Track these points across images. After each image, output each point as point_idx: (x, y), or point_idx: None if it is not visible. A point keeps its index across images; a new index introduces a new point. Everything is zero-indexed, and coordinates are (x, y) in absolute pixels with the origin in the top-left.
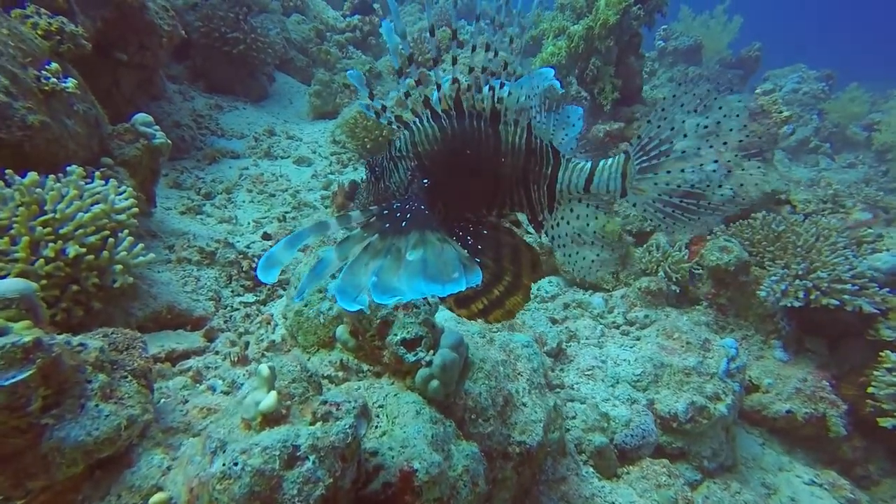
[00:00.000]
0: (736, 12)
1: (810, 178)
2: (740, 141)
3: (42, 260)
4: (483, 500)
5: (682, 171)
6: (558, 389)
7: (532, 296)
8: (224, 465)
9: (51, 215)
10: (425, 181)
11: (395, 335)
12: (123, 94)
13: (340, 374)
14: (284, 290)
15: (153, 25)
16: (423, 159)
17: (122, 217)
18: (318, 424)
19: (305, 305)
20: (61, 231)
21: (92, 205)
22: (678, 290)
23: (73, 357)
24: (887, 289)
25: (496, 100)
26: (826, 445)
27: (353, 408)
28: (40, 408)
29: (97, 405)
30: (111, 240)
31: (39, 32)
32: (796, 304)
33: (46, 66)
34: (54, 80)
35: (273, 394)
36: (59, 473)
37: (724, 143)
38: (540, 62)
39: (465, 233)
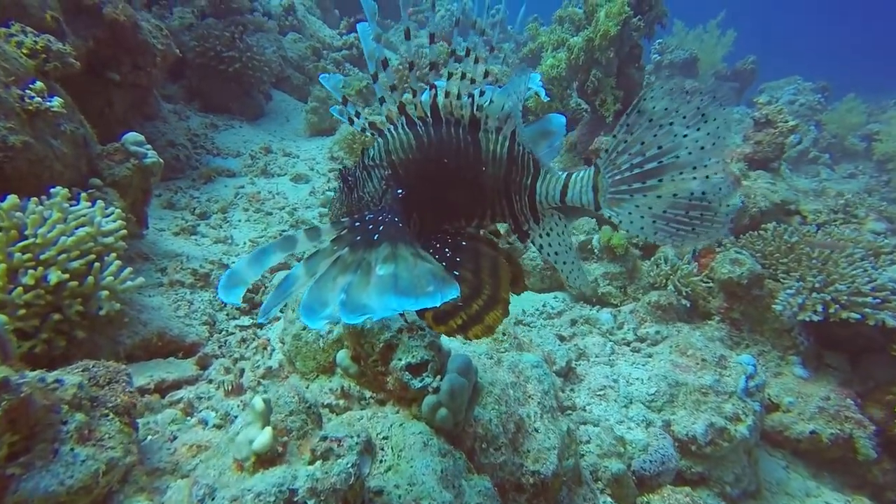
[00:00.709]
0: (729, 26)
1: (813, 189)
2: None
3: (21, 288)
4: None
5: (672, 182)
6: (570, 411)
7: (535, 311)
8: None
9: (31, 240)
10: (399, 191)
11: (400, 360)
12: (116, 114)
13: (342, 402)
14: (282, 312)
15: (146, 45)
16: (398, 168)
17: (110, 240)
18: (318, 464)
19: (304, 329)
20: (42, 256)
21: (77, 228)
22: (689, 305)
23: (46, 396)
24: None
25: (475, 107)
26: (854, 468)
27: (356, 443)
28: (5, 456)
29: (72, 449)
30: (97, 264)
31: (24, 51)
32: (815, 318)
33: (31, 86)
34: (38, 99)
35: (268, 431)
36: None
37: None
38: (539, 75)
39: (442, 245)
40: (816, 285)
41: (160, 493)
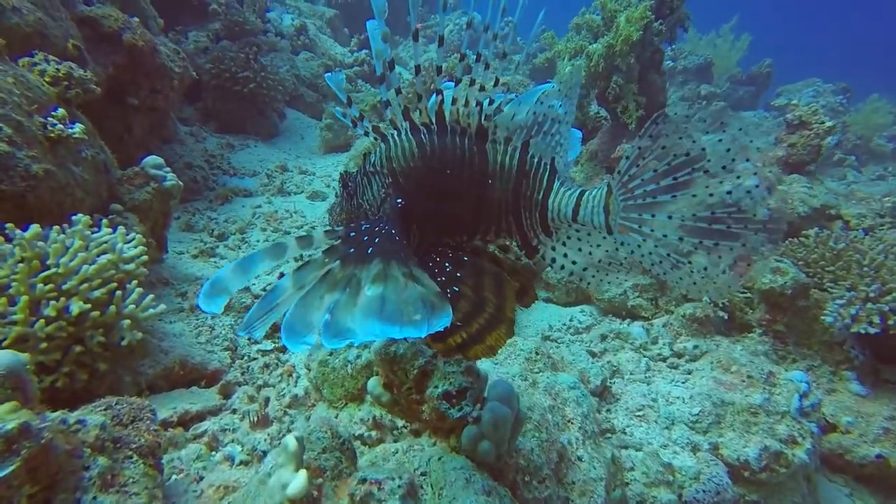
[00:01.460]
0: (743, 31)
1: (843, 192)
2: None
3: (42, 320)
4: None
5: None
6: (609, 434)
7: (563, 326)
8: None
9: (53, 270)
10: (399, 201)
11: (436, 387)
12: (135, 138)
13: (374, 433)
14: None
15: (164, 68)
16: (398, 176)
17: (131, 267)
18: None
19: (330, 354)
20: (64, 287)
21: (98, 255)
22: (726, 317)
23: (68, 439)
24: None
25: (483, 116)
26: None
27: (399, 486)
28: None
29: (95, 497)
30: (119, 293)
31: (47, 79)
32: (871, 330)
33: (53, 113)
34: (60, 126)
35: (302, 475)
36: None
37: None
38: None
39: (443, 259)
40: (871, 294)
41: None
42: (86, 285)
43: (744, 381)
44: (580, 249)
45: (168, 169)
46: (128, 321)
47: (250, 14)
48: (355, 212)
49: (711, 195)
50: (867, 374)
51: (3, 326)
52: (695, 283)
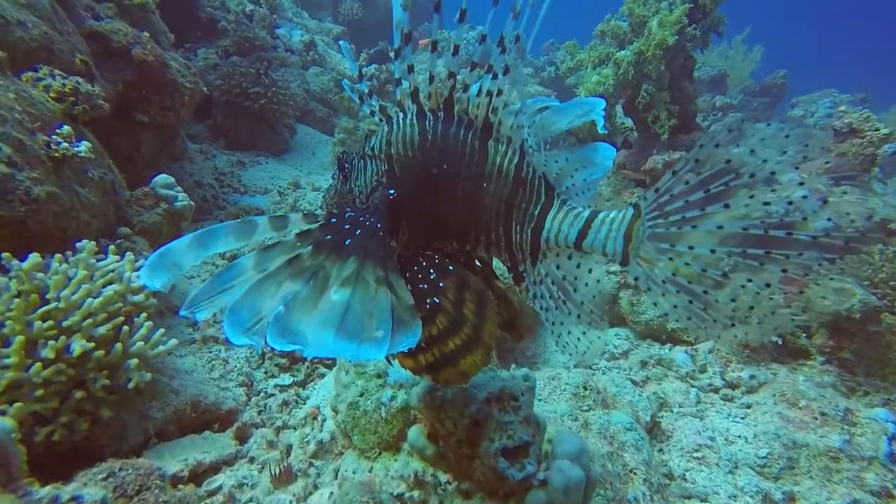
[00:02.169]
0: (756, 42)
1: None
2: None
3: (39, 364)
4: None
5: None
6: (668, 481)
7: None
8: None
9: (53, 305)
10: (391, 192)
11: (492, 441)
12: (144, 157)
13: (416, 493)
14: (326, 366)
15: (174, 84)
16: (394, 164)
17: (140, 298)
18: None
19: (361, 395)
20: (65, 323)
21: (104, 286)
22: (780, 342)
23: None
24: None
25: (491, 108)
26: None
27: None
28: None
29: None
30: (125, 328)
31: (52, 95)
32: None
33: (58, 131)
34: (65, 144)
35: None
36: None
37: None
38: (585, 93)
39: (428, 265)
40: None
41: None
42: (89, 321)
43: (816, 419)
44: (550, 296)
45: (179, 188)
46: (135, 360)
47: (260, 30)
48: (345, 197)
49: (756, 213)
50: None
51: None
52: (732, 325)
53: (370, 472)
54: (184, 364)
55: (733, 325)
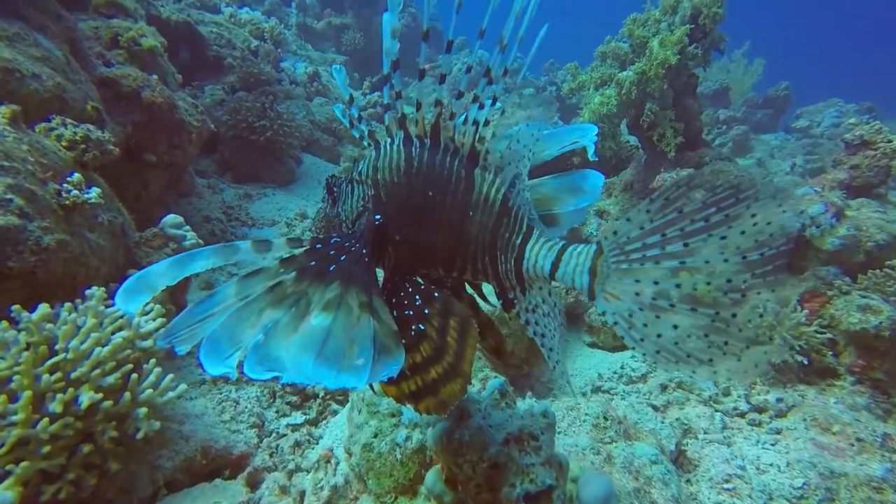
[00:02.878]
0: (757, 56)
1: None
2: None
3: (47, 419)
4: None
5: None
6: None
7: (614, 374)
8: None
9: (62, 356)
10: (378, 218)
11: (514, 487)
12: (152, 195)
13: None
14: (338, 402)
15: (182, 123)
16: (381, 190)
17: (149, 343)
18: None
19: (374, 436)
20: (74, 374)
21: (113, 333)
22: (807, 362)
23: None
24: None
25: (477, 137)
26: None
27: None
28: None
29: None
30: (134, 375)
31: (64, 143)
32: None
33: (69, 179)
34: (76, 192)
35: None
36: None
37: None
38: (588, 114)
39: (414, 290)
40: None
41: None
42: (98, 371)
43: (852, 445)
44: (545, 325)
45: (188, 227)
46: (144, 409)
47: (265, 65)
48: (332, 221)
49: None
50: None
51: (1, 430)
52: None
53: None
54: (194, 407)
55: (710, 360)
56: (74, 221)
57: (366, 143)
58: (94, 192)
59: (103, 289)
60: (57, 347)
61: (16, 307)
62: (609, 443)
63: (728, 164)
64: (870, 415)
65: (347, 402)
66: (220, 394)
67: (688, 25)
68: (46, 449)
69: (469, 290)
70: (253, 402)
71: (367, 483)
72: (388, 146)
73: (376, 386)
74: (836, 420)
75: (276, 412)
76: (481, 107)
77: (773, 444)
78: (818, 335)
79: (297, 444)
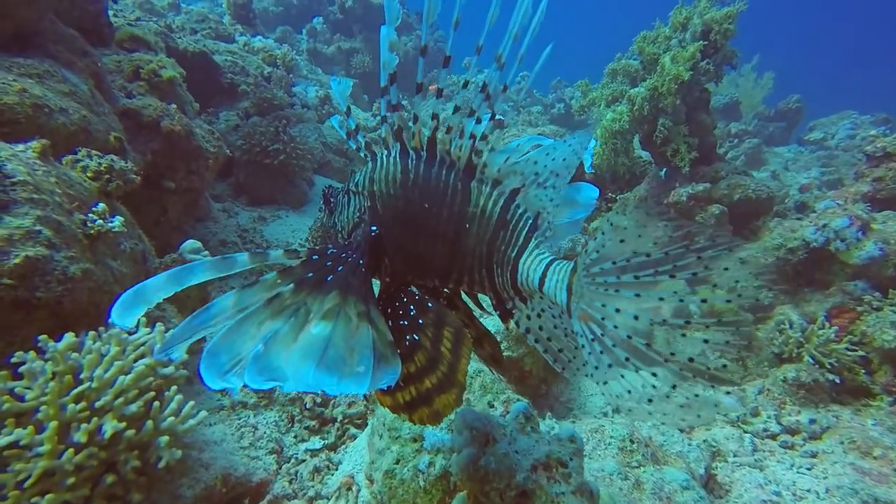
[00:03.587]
0: (766, 69)
1: None
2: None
3: (71, 450)
4: None
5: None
6: None
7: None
8: None
9: (86, 385)
10: (374, 229)
11: None
12: (171, 220)
13: None
14: (357, 426)
15: (199, 150)
16: (377, 201)
17: (170, 370)
18: None
19: (396, 463)
20: (98, 404)
21: (136, 360)
22: (839, 381)
23: None
24: None
25: (474, 151)
26: None
27: None
28: None
29: None
30: (156, 403)
31: (89, 175)
32: None
33: (94, 209)
34: (100, 222)
35: None
36: None
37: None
38: (600, 130)
39: (409, 300)
40: None
41: None
42: (121, 399)
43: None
44: (555, 327)
45: (206, 252)
46: (166, 438)
47: (278, 90)
48: (328, 232)
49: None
50: None
51: (27, 462)
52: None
53: None
54: (213, 434)
55: (650, 402)
56: (99, 250)
57: (363, 155)
58: (118, 221)
59: None
60: (82, 376)
61: (42, 337)
62: (637, 467)
63: (744, 177)
64: None
65: (366, 426)
66: (239, 419)
67: (700, 42)
68: (71, 480)
69: (465, 298)
70: (272, 426)
71: None
72: (384, 158)
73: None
74: (877, 443)
75: (295, 437)
76: (478, 121)
77: (809, 469)
78: (849, 353)
79: (317, 469)
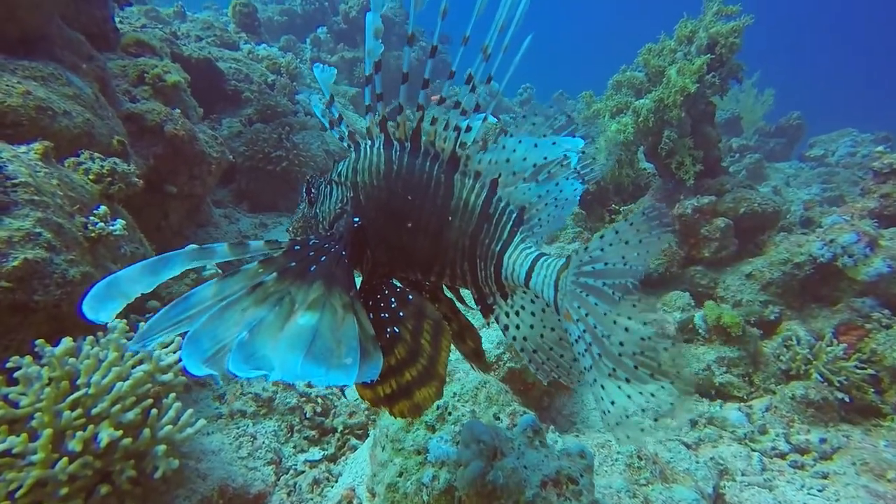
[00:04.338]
0: (767, 86)
1: None
2: None
3: (66, 459)
4: None
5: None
6: None
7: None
8: None
9: (83, 392)
10: (356, 220)
11: None
12: (172, 225)
13: None
14: (357, 437)
15: (202, 155)
16: (360, 192)
17: (169, 377)
18: None
19: (400, 475)
20: (94, 410)
21: (134, 367)
22: (848, 399)
23: None
24: None
25: (458, 143)
26: None
27: None
28: None
29: None
30: (154, 411)
31: (91, 177)
32: None
33: (95, 212)
34: (101, 224)
35: None
36: None
37: None
38: (605, 141)
39: (390, 294)
40: None
41: None
42: (118, 407)
43: None
44: (532, 326)
45: None
46: (163, 447)
47: (281, 98)
48: (309, 223)
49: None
50: None
51: (20, 471)
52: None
53: None
54: (211, 443)
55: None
56: (99, 253)
57: (346, 145)
58: (119, 224)
59: (125, 321)
60: (79, 382)
61: (39, 342)
62: (645, 485)
63: (750, 191)
64: None
65: (367, 436)
66: (238, 428)
67: (708, 56)
68: (64, 490)
69: (448, 293)
70: (270, 436)
71: None
72: (368, 148)
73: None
74: (891, 465)
75: (294, 447)
76: (463, 113)
77: (820, 490)
78: (858, 371)
79: (316, 481)
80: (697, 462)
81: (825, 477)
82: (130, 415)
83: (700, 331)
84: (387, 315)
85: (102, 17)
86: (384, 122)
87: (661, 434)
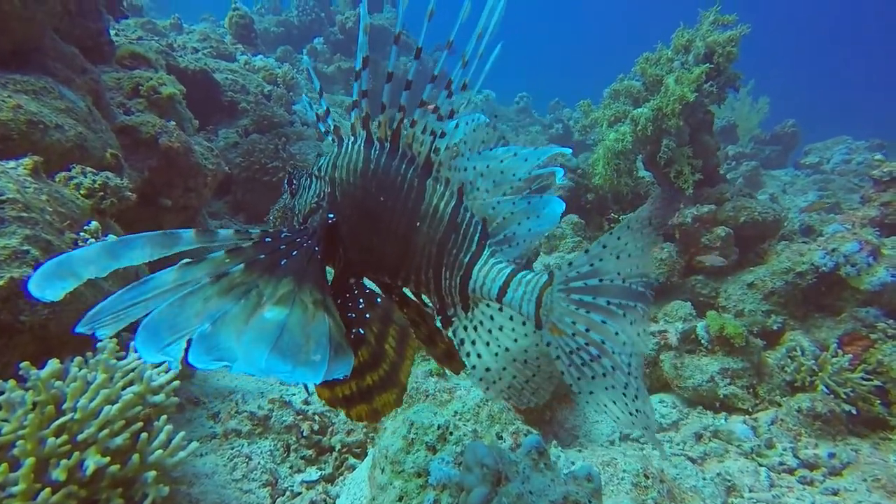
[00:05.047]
0: (761, 94)
1: None
2: None
3: (48, 490)
4: None
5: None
6: None
7: None
8: None
9: (69, 417)
10: (331, 216)
11: None
12: None
13: None
14: (355, 455)
15: (198, 167)
16: (336, 189)
17: (160, 398)
18: None
19: (400, 500)
20: (81, 437)
21: (124, 388)
22: (856, 412)
23: None
24: None
25: (433, 148)
26: None
27: None
28: None
29: None
30: (144, 434)
31: (83, 192)
32: None
33: (86, 227)
34: (92, 240)
35: None
36: None
37: None
38: (603, 150)
39: (359, 293)
40: None
41: None
42: (106, 432)
43: None
44: (488, 343)
45: None
46: (153, 473)
47: (278, 108)
48: (286, 215)
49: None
50: None
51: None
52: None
53: None
54: (204, 466)
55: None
56: None
57: (330, 139)
58: (111, 239)
59: (115, 340)
60: (65, 406)
61: (24, 364)
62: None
63: (750, 199)
64: None
65: (366, 455)
66: (232, 448)
67: (707, 65)
68: None
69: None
70: (266, 456)
71: None
72: (349, 145)
73: (311, 387)
74: None
75: (291, 467)
76: (440, 118)
77: None
78: (865, 382)
79: (314, 503)
80: (704, 479)
81: (836, 493)
82: (119, 440)
83: (703, 341)
84: (353, 315)
85: (97, 30)
86: (367, 119)
87: (667, 448)
